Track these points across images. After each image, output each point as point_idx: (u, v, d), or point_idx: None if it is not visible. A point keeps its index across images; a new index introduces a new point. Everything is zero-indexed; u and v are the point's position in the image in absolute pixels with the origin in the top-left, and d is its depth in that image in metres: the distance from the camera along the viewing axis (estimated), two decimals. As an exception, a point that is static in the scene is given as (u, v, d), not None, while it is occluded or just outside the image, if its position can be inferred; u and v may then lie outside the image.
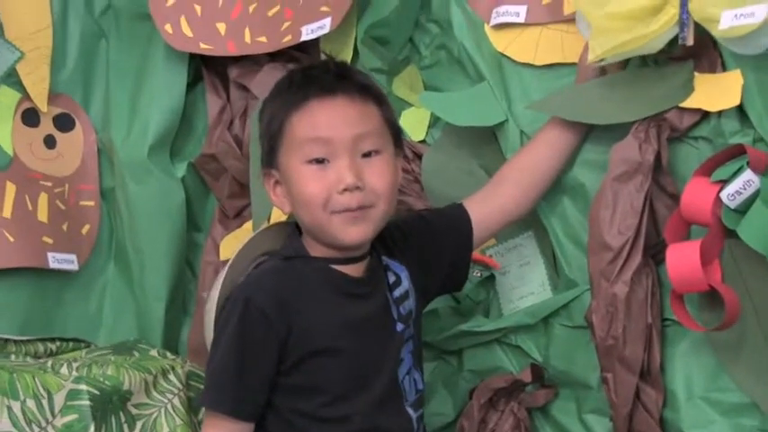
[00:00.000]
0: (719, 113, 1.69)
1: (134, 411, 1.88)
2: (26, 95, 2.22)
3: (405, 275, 1.75)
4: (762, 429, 1.69)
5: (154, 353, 2.03)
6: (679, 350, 1.75)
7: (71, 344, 2.13)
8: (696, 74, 1.70)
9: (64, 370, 1.86)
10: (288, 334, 1.63)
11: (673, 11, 1.65)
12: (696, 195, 1.66)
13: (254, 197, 2.04)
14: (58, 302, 2.24)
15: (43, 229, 2.19)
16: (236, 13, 2.12)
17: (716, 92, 1.68)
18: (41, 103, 2.23)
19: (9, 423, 1.78)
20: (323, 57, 2.03)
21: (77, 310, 2.26)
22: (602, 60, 1.71)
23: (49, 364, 1.90)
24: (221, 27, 2.13)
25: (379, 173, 1.66)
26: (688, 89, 1.70)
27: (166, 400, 1.91)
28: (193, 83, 2.24)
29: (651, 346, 1.73)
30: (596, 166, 1.80)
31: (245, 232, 2.11)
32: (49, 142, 2.25)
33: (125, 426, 1.86)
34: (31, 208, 2.19)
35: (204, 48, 2.14)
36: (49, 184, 2.23)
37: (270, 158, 1.70)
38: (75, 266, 2.22)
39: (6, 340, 2.05)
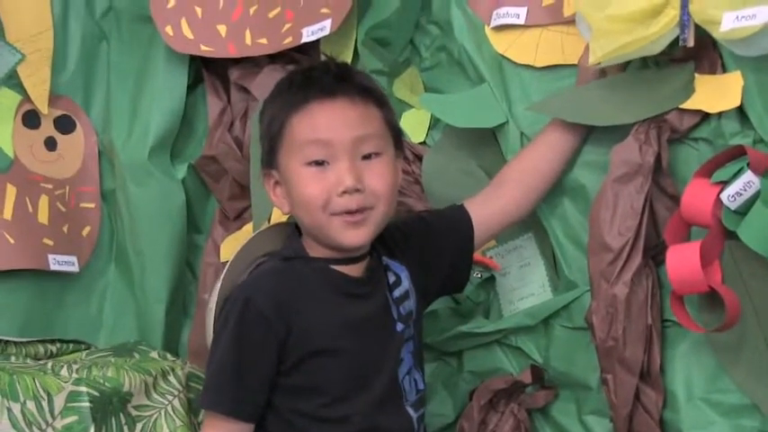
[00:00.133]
0: (720, 115, 1.69)
1: (134, 413, 1.88)
2: (27, 97, 2.22)
3: (405, 276, 1.75)
4: (762, 430, 1.68)
5: (154, 354, 2.03)
6: (679, 351, 1.75)
7: (71, 345, 2.13)
8: (696, 75, 1.70)
9: (64, 372, 1.86)
10: (287, 334, 1.63)
11: (673, 12, 1.65)
12: (696, 197, 1.66)
13: (255, 199, 2.04)
14: (58, 304, 2.24)
15: (44, 230, 2.19)
16: (236, 15, 2.12)
17: (716, 93, 1.68)
18: (42, 105, 2.23)
19: (9, 425, 1.78)
20: (323, 58, 2.03)
21: (78, 311, 2.26)
22: (601, 63, 1.71)
23: (50, 365, 1.90)
24: (222, 29, 2.13)
25: (378, 175, 1.66)
26: (688, 90, 1.70)
27: (166, 402, 1.91)
28: (194, 85, 2.24)
29: (651, 348, 1.73)
30: (597, 168, 1.80)
31: (245, 234, 2.11)
32: (50, 144, 2.26)
33: (125, 427, 1.86)
34: (31, 210, 2.19)
35: (205, 49, 2.14)
36: (50, 186, 2.23)
37: (270, 159, 1.70)
38: (75, 268, 2.22)
39: (7, 342, 2.05)
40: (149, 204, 2.20)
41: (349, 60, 2.04)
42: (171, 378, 1.93)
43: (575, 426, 1.86)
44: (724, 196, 1.63)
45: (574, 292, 1.83)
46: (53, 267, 2.18)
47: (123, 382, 1.86)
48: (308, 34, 2.04)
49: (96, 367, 1.86)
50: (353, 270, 1.70)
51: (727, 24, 1.58)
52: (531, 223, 1.90)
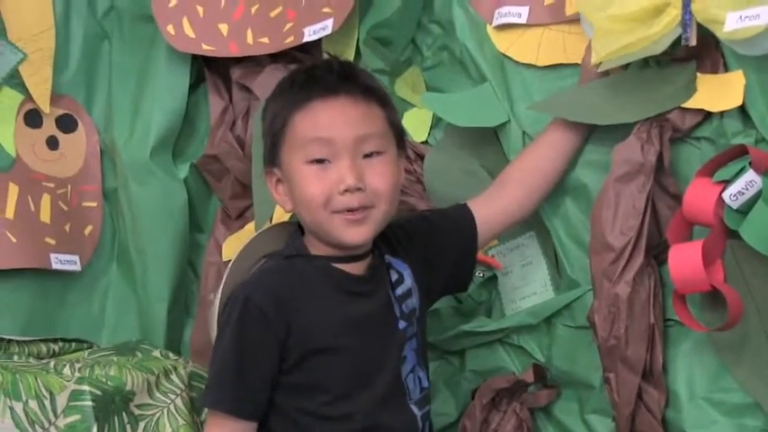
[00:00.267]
0: (722, 114, 1.69)
1: (137, 412, 1.88)
2: (29, 97, 2.22)
3: (407, 274, 1.75)
4: (764, 430, 1.68)
5: (156, 353, 2.03)
6: (681, 350, 1.75)
7: (74, 344, 2.13)
8: (698, 74, 1.70)
9: (66, 370, 1.86)
10: (287, 332, 1.63)
11: (675, 12, 1.65)
12: (698, 196, 1.66)
13: (257, 198, 2.04)
14: (60, 303, 2.24)
15: (46, 229, 2.19)
16: (238, 15, 2.12)
17: (718, 92, 1.68)
18: (44, 105, 2.23)
19: (12, 424, 1.78)
20: (325, 57, 2.04)
21: (80, 310, 2.26)
22: (603, 63, 1.71)
23: (52, 364, 1.90)
24: (223, 28, 2.13)
25: (380, 173, 1.66)
26: (690, 90, 1.70)
27: (169, 401, 1.91)
28: (196, 84, 2.24)
29: (653, 347, 1.73)
30: (598, 167, 1.80)
31: (247, 233, 2.11)
32: (52, 143, 2.26)
33: (128, 426, 1.86)
34: (33, 209, 2.19)
35: (206, 49, 2.14)
36: (52, 185, 2.23)
37: (272, 157, 1.70)
38: (77, 267, 2.22)
39: (9, 341, 2.05)
40: (151, 203, 2.20)
41: (351, 60, 2.03)
42: (173, 377, 1.93)
43: (577, 425, 1.86)
44: (726, 195, 1.63)
45: (576, 291, 1.83)
46: (55, 266, 2.18)
47: (126, 380, 1.86)
48: (310, 33, 2.04)
49: (99, 366, 1.87)
50: (355, 268, 1.70)
51: (731, 24, 1.58)
52: (533, 222, 1.90)
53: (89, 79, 2.29)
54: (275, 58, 2.11)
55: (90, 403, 1.82)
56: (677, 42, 1.67)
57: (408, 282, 1.75)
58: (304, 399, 1.66)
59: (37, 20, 2.22)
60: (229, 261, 1.79)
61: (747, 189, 1.62)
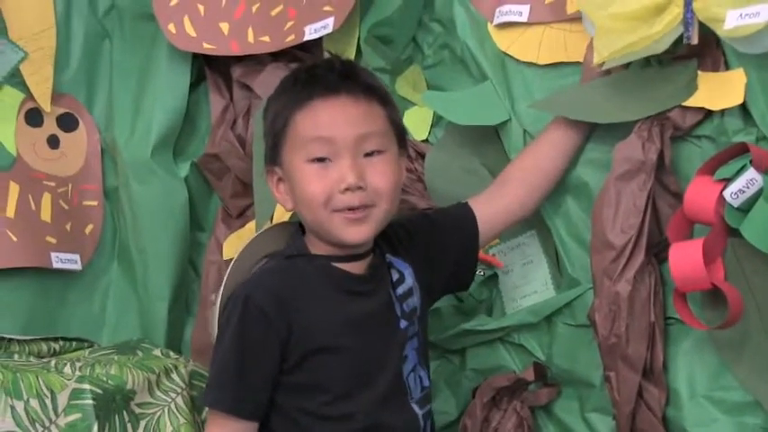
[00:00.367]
0: (723, 112, 1.69)
1: (137, 410, 1.88)
2: (29, 95, 2.22)
3: (408, 273, 1.75)
4: (765, 428, 1.68)
5: (157, 352, 2.03)
6: (682, 349, 1.75)
7: (74, 343, 2.13)
8: (699, 72, 1.70)
9: (67, 369, 1.86)
10: (288, 332, 1.64)
11: (677, 10, 1.65)
12: (699, 194, 1.66)
13: (258, 196, 2.04)
14: (61, 302, 2.24)
15: (46, 228, 2.19)
16: (239, 13, 2.12)
17: (719, 90, 1.68)
18: (45, 103, 2.23)
19: (13, 423, 1.79)
20: (326, 56, 2.04)
21: (81, 309, 2.26)
22: (606, 63, 1.71)
23: (53, 363, 1.90)
24: (224, 27, 2.13)
25: (381, 172, 1.66)
26: (691, 88, 1.70)
27: (170, 400, 1.91)
28: (196, 82, 2.24)
29: (654, 345, 1.73)
30: (599, 165, 1.80)
31: (248, 232, 2.11)
32: (53, 142, 2.26)
33: (128, 425, 1.86)
34: (34, 208, 2.19)
35: (207, 47, 2.14)
36: (53, 183, 2.23)
37: (273, 156, 1.70)
38: (78, 266, 2.22)
39: (10, 340, 2.05)
40: (152, 202, 2.21)
41: (352, 58, 2.03)
42: (174, 376, 1.93)
43: (577, 423, 1.86)
44: (727, 194, 1.63)
45: (576, 290, 1.83)
46: (56, 265, 2.18)
47: (126, 379, 1.86)
48: (311, 32, 2.04)
49: (99, 365, 1.87)
50: (356, 267, 1.70)
51: (731, 22, 1.58)
52: (533, 221, 1.89)
53: (90, 78, 2.29)
54: (276, 56, 2.11)
55: (91, 402, 1.82)
56: (678, 41, 1.67)
57: (409, 281, 1.75)
58: (305, 398, 1.66)
59: (38, 18, 2.22)
60: (230, 260, 1.79)
61: (748, 187, 1.62)
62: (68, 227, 2.22)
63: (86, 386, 1.83)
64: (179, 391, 1.92)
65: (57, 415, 1.81)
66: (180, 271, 2.23)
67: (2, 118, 2.20)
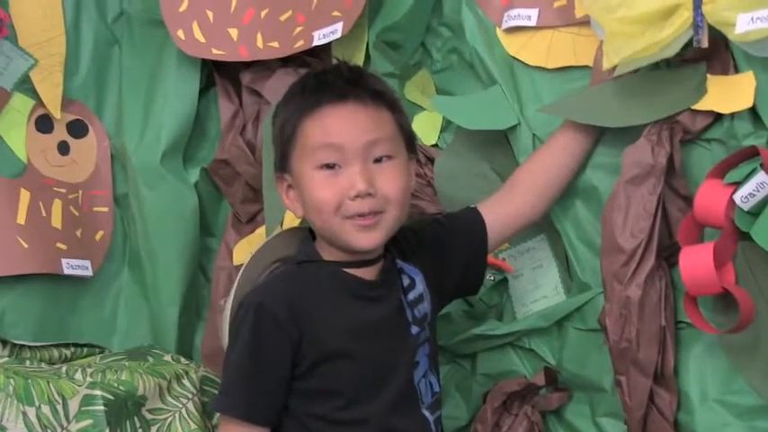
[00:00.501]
0: (732, 115, 1.69)
1: (148, 416, 1.88)
2: (39, 102, 2.23)
3: (419, 279, 1.75)
4: (777, 432, 1.69)
5: (168, 358, 2.03)
6: (693, 353, 1.75)
7: (85, 349, 2.14)
8: (709, 76, 1.70)
9: (78, 375, 1.86)
10: (300, 338, 1.64)
11: (686, 14, 1.65)
12: (709, 198, 1.65)
13: (267, 202, 2.04)
14: (72, 308, 2.24)
15: (57, 235, 2.19)
16: (248, 19, 2.12)
17: (729, 94, 1.68)
18: (55, 110, 2.23)
19: (24, 429, 1.79)
20: (335, 61, 2.04)
21: (91, 315, 2.26)
22: (616, 67, 1.71)
23: (64, 369, 1.90)
24: (233, 32, 2.13)
25: (390, 178, 1.66)
26: (700, 91, 1.70)
27: (181, 405, 1.91)
28: (206, 88, 2.24)
29: (665, 349, 1.73)
30: (609, 169, 1.80)
31: (258, 237, 2.11)
32: (63, 149, 2.26)
33: (140, 430, 1.87)
34: (44, 214, 2.19)
35: (216, 53, 2.15)
36: (63, 190, 2.24)
37: (282, 163, 1.70)
38: (89, 272, 2.23)
39: (21, 346, 2.06)
40: (162, 208, 2.21)
41: (360, 63, 2.04)
42: (185, 381, 1.93)
43: (589, 428, 1.86)
44: (737, 197, 1.63)
45: (587, 294, 1.83)
46: (66, 271, 2.18)
47: (137, 385, 1.87)
48: (320, 37, 2.04)
49: (110, 371, 1.87)
50: (367, 273, 1.70)
51: (742, 26, 1.58)
52: (543, 225, 1.89)
53: (99, 84, 2.29)
54: (285, 62, 2.12)
55: (102, 408, 1.82)
56: (687, 44, 1.67)
57: (420, 286, 1.74)
58: (316, 404, 1.66)
59: (47, 25, 2.23)
60: (240, 265, 1.79)
61: (758, 191, 1.62)
62: (79, 233, 2.23)
63: (98, 392, 1.83)
64: (190, 396, 1.93)
65: (68, 421, 1.82)
66: (190, 276, 2.23)
67: (12, 125, 2.20)
